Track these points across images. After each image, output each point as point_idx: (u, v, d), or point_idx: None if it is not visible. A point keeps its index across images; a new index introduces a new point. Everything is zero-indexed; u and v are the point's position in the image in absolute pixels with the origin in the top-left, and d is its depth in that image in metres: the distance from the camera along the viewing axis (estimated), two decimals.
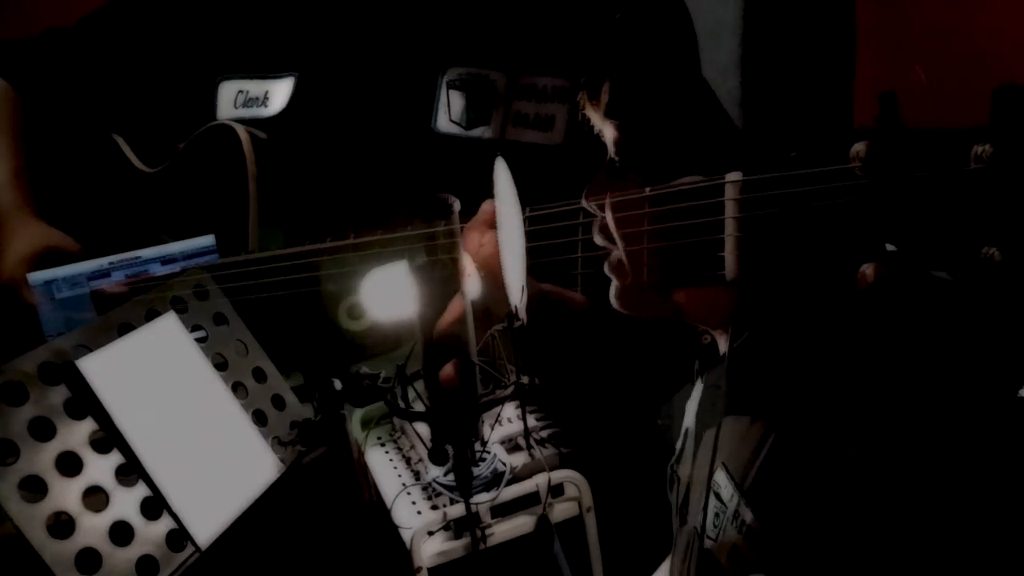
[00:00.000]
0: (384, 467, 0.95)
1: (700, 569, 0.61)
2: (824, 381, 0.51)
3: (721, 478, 0.58)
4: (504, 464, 0.87)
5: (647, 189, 0.56)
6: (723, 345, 0.59)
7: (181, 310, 0.71)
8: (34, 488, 0.58)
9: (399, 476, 0.94)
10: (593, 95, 0.59)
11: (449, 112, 1.04)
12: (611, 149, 0.59)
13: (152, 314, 0.69)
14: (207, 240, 1.00)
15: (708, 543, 0.59)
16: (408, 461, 0.95)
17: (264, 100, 1.09)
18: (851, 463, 0.50)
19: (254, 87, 1.11)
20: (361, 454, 0.90)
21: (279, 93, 1.09)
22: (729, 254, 0.50)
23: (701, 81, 1.04)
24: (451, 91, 1.04)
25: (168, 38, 1.18)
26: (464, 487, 0.54)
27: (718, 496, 0.58)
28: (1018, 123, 0.37)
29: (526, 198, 0.75)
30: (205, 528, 0.64)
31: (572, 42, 1.04)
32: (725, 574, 0.57)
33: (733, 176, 0.51)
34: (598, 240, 0.59)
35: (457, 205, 0.53)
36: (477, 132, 1.03)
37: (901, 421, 0.48)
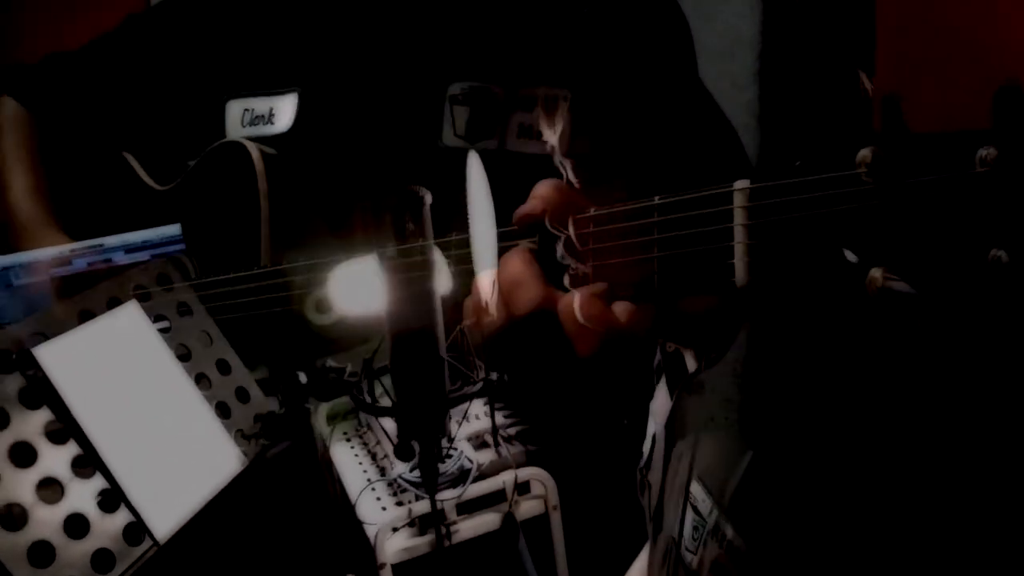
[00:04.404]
0: (349, 462, 0.94)
1: None
2: (804, 399, 0.51)
3: (698, 491, 0.58)
4: (471, 461, 0.87)
5: (656, 198, 0.55)
6: (690, 361, 0.59)
7: (144, 299, 0.70)
8: None
9: (364, 472, 0.93)
10: (549, 116, 0.58)
11: (454, 127, 1.04)
12: (569, 173, 0.58)
13: (114, 302, 0.68)
14: (173, 229, 0.98)
15: (688, 556, 0.59)
16: (374, 456, 0.94)
17: (270, 117, 1.10)
18: (833, 481, 0.49)
19: (259, 104, 1.11)
20: (326, 449, 0.89)
21: (285, 109, 1.10)
22: (739, 261, 0.50)
23: (698, 89, 1.04)
24: (455, 106, 1.04)
25: (173, 60, 1.19)
26: (430, 483, 0.54)
27: (696, 509, 0.58)
28: (1020, 125, 0.37)
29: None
30: (164, 521, 0.63)
31: (572, 53, 1.05)
32: None
33: (741, 184, 0.50)
34: (561, 257, 0.58)
35: (428, 197, 0.52)
36: (481, 145, 1.04)
37: (886, 441, 0.48)
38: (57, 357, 0.62)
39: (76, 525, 0.59)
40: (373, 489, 0.89)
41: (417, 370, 0.51)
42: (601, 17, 1.05)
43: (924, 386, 0.46)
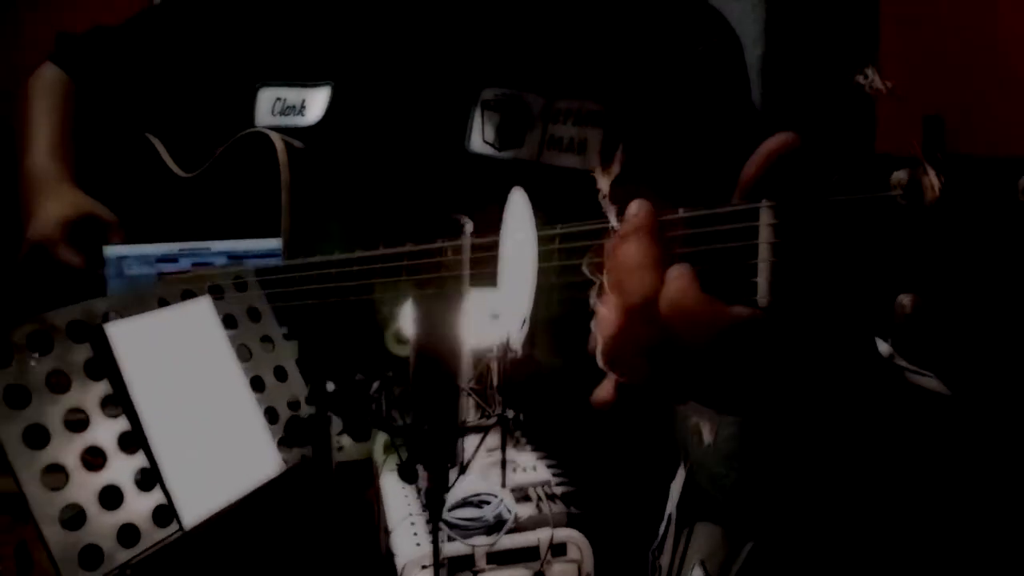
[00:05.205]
0: (395, 493, 0.95)
1: None
2: (806, 491, 0.49)
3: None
4: (509, 511, 0.85)
5: (680, 210, 0.55)
6: (707, 433, 0.57)
7: (217, 297, 0.74)
8: (38, 436, 0.60)
9: (408, 504, 0.93)
10: (606, 162, 0.58)
11: (483, 132, 1.04)
12: (612, 220, 0.58)
13: (188, 295, 0.72)
14: (274, 243, 1.03)
15: None
16: (420, 491, 0.95)
17: (301, 108, 1.11)
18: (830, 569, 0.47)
19: (291, 95, 1.12)
20: (377, 477, 0.91)
21: (316, 102, 1.11)
22: (762, 278, 0.49)
23: (751, 113, 1.00)
24: (486, 111, 1.04)
25: (209, 42, 1.21)
26: (434, 511, 0.53)
27: None
28: None
29: (559, 222, 0.74)
30: (193, 509, 0.65)
31: (609, 67, 1.05)
32: None
33: (769, 200, 0.50)
34: (592, 301, 0.58)
35: (469, 226, 0.53)
36: (510, 154, 1.03)
37: (884, 533, 0.45)
38: (125, 335, 0.66)
39: (111, 496, 0.62)
40: (412, 524, 0.89)
41: (432, 394, 0.51)
42: (649, 34, 1.03)
43: (936, 478, 0.43)
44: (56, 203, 1.16)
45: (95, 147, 1.26)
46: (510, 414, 0.53)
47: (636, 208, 0.56)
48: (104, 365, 0.65)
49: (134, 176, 1.23)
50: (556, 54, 1.05)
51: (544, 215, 0.62)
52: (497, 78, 1.05)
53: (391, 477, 0.97)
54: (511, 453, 0.92)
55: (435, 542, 0.57)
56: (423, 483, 0.58)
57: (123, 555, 0.62)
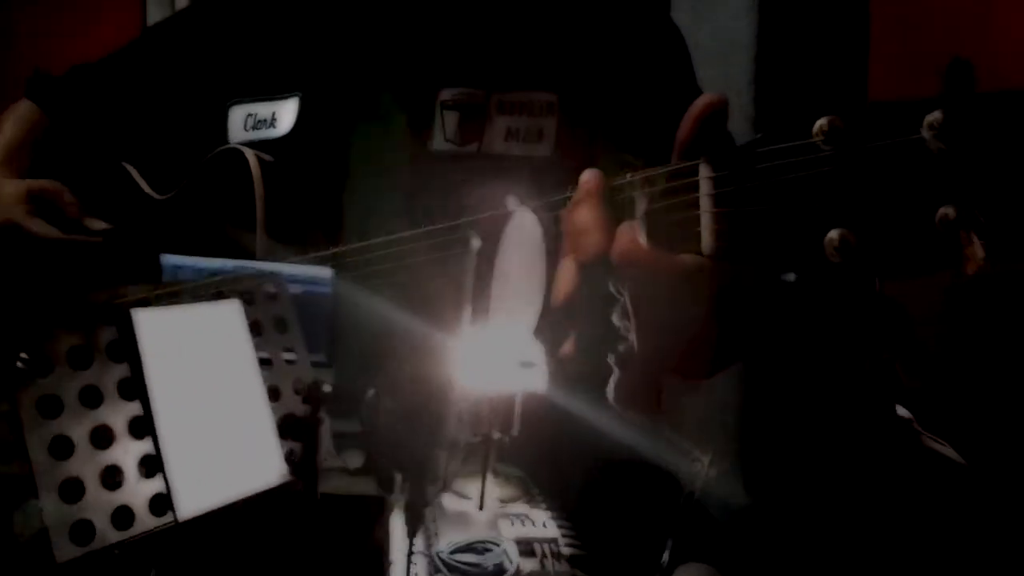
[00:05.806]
0: (402, 530, 0.93)
1: None
2: (774, 530, 0.48)
3: None
4: (511, 562, 0.83)
5: (628, 175, 0.60)
6: (707, 462, 0.56)
7: (248, 302, 0.75)
8: (51, 407, 0.62)
9: (414, 543, 0.92)
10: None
11: (444, 131, 1.09)
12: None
13: (219, 296, 0.74)
14: (326, 272, 1.05)
15: None
16: (427, 529, 0.93)
17: (272, 121, 1.16)
18: None
19: (262, 109, 1.18)
20: (388, 512, 0.90)
21: (286, 113, 1.16)
22: (706, 230, 0.52)
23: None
24: (445, 111, 1.10)
25: (185, 69, 1.27)
26: (412, 527, 0.53)
27: None
28: (965, 91, 0.40)
29: None
30: (190, 503, 0.66)
31: (558, 57, 1.10)
32: None
33: (705, 156, 0.53)
34: (616, 321, 0.59)
35: (476, 242, 0.54)
36: (470, 149, 1.09)
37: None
38: (151, 323, 0.68)
39: (112, 477, 0.63)
40: (414, 564, 0.87)
41: (420, 407, 0.51)
42: (594, 26, 1.08)
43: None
44: (8, 185, 1.22)
45: (71, 179, 1.31)
46: (496, 435, 0.53)
47: (587, 176, 0.61)
48: (126, 349, 0.67)
49: (111, 204, 1.28)
50: (507, 50, 1.12)
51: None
52: (454, 78, 1.12)
53: (400, 514, 0.96)
54: (523, 507, 0.91)
55: (409, 556, 0.56)
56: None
57: (114, 536, 0.62)
